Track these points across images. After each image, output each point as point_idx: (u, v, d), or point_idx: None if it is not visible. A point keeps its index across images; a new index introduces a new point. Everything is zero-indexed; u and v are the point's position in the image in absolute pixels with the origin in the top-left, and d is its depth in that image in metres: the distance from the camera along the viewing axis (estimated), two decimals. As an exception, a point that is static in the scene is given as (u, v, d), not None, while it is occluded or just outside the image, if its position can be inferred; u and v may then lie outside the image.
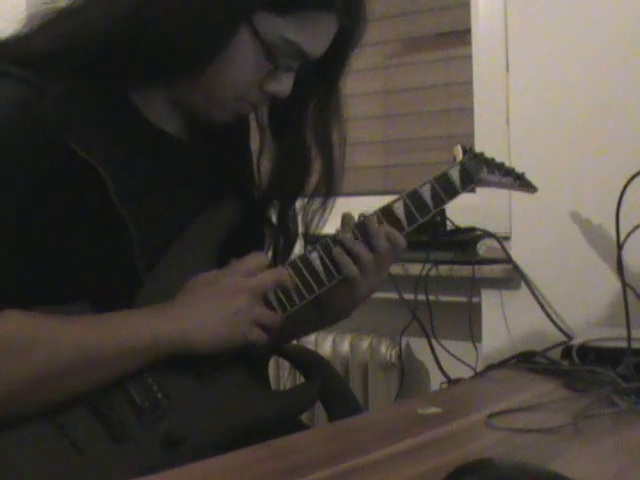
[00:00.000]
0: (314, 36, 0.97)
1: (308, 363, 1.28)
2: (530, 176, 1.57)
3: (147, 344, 0.88)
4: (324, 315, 1.11)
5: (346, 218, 1.05)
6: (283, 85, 0.98)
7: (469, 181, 1.15)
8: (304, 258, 1.00)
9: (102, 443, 0.87)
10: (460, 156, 1.18)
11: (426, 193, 1.10)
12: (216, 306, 0.92)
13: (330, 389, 1.20)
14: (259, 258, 0.97)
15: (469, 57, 1.78)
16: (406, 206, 1.08)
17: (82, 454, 0.86)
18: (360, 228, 1.03)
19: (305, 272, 1.00)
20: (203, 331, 0.90)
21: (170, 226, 0.99)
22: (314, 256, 1.01)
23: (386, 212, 1.07)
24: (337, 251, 1.01)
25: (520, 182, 1.27)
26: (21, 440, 0.84)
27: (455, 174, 1.14)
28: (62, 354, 0.86)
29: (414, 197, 1.09)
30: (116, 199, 0.88)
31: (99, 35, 0.90)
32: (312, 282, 1.00)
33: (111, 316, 0.89)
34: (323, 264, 1.01)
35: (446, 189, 1.12)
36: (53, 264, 0.88)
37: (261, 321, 0.94)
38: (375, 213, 1.06)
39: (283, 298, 0.98)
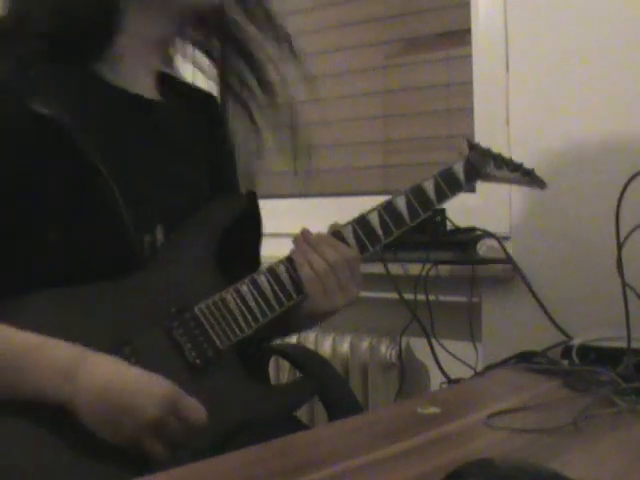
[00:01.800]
0: None
1: (308, 363, 1.28)
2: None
3: (39, 398, 0.84)
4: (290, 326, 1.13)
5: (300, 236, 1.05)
6: None
7: (474, 175, 1.15)
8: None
9: (100, 448, 0.86)
10: (466, 151, 1.18)
11: (429, 187, 1.10)
12: (119, 423, 0.85)
13: (330, 389, 1.20)
14: (202, 415, 0.88)
15: (469, 57, 1.77)
16: (408, 201, 1.08)
17: (81, 463, 0.85)
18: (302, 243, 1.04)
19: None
20: (92, 423, 0.85)
21: (153, 184, 0.98)
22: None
23: (388, 206, 1.07)
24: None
25: (529, 178, 1.26)
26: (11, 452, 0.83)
27: (459, 169, 1.14)
28: None
29: (417, 192, 1.09)
30: (88, 152, 0.88)
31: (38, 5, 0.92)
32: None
33: (27, 341, 0.85)
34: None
35: (450, 184, 1.12)
36: (36, 235, 0.88)
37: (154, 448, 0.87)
38: (376, 208, 1.06)
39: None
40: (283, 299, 1.02)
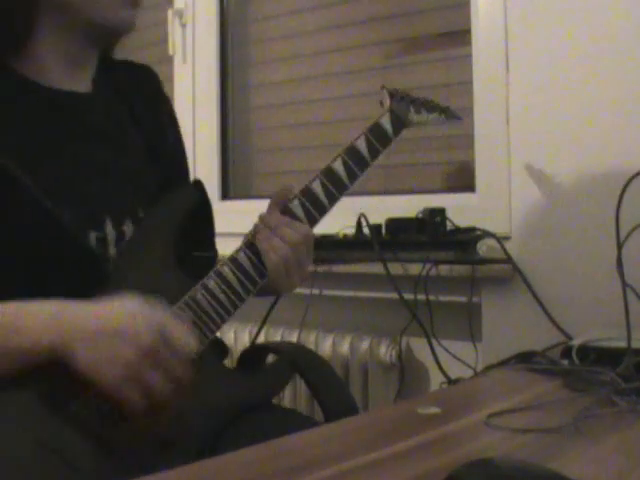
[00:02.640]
0: None
1: (307, 362, 1.28)
2: (530, 176, 1.57)
3: (27, 347, 0.83)
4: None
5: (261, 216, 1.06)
6: None
7: (400, 126, 1.17)
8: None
9: (93, 453, 0.86)
10: (388, 102, 1.19)
11: (362, 146, 1.12)
12: (115, 352, 0.84)
13: (328, 389, 1.20)
14: (191, 345, 0.90)
15: (469, 57, 1.77)
16: (345, 163, 1.10)
17: (76, 471, 0.84)
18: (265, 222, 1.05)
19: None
20: (87, 362, 0.84)
21: (91, 180, 0.98)
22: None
23: (327, 173, 1.09)
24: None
25: (446, 115, 1.28)
26: (10, 460, 0.82)
27: (387, 121, 1.16)
28: None
29: (352, 152, 1.11)
30: (8, 167, 0.88)
31: None
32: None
33: (6, 313, 0.85)
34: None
35: (379, 138, 1.14)
36: None
37: (149, 391, 0.87)
38: (316, 177, 1.08)
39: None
40: (249, 286, 1.02)
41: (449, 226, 1.69)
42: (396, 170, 2.03)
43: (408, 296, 1.63)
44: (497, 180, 1.68)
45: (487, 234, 1.66)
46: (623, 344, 1.06)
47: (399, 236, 1.69)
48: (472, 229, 1.69)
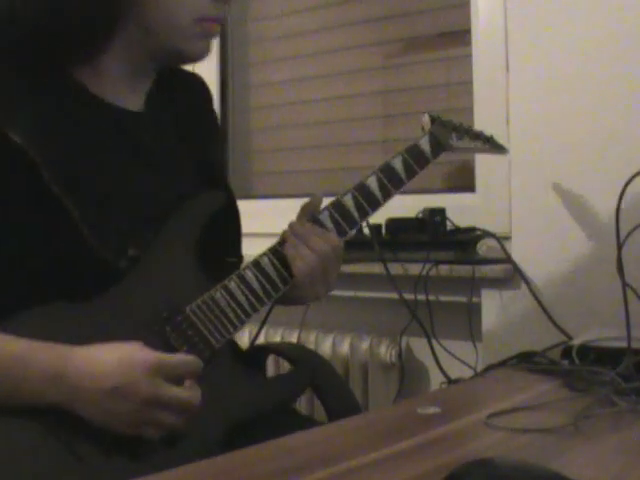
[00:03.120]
0: None
1: (307, 362, 1.28)
2: (530, 176, 1.57)
3: (42, 402, 0.85)
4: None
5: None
6: None
7: (440, 149, 1.18)
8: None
9: (101, 448, 0.87)
10: (428, 125, 1.20)
11: (398, 165, 1.12)
12: (120, 411, 0.86)
13: (329, 388, 1.20)
14: (193, 365, 0.92)
15: (469, 57, 1.78)
16: (379, 180, 1.10)
17: (82, 461, 0.85)
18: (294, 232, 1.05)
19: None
20: (94, 418, 0.86)
21: (129, 198, 0.97)
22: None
23: (360, 188, 1.09)
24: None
25: (490, 145, 1.29)
26: (18, 453, 0.83)
27: (425, 143, 1.16)
28: None
29: (387, 170, 1.11)
30: (52, 182, 0.87)
31: (19, 11, 0.90)
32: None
33: (20, 346, 0.86)
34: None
35: (417, 158, 1.14)
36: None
37: (161, 425, 0.89)
38: (349, 191, 1.08)
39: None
40: (271, 291, 1.03)
41: (449, 226, 1.69)
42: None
43: (408, 296, 1.63)
44: (497, 180, 1.68)
45: (487, 234, 1.66)
46: (623, 344, 1.05)
47: (399, 236, 1.69)
48: (472, 229, 1.69)
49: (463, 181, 1.86)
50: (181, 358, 0.91)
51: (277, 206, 2.08)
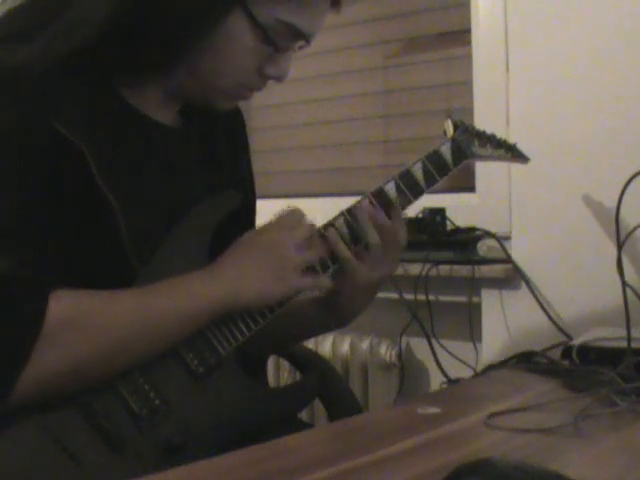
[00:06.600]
0: (310, 16, 0.97)
1: (307, 363, 1.28)
2: (530, 176, 1.57)
3: (203, 308, 0.90)
4: (333, 314, 1.11)
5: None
6: (282, 69, 0.99)
7: (462, 157, 1.11)
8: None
9: (100, 453, 0.86)
10: (451, 131, 1.13)
11: (418, 172, 1.07)
12: (262, 263, 0.93)
13: (330, 388, 1.20)
14: (296, 213, 0.99)
15: (469, 57, 1.77)
16: (398, 186, 1.05)
17: (80, 466, 0.84)
18: (353, 215, 1.02)
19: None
20: (253, 290, 0.92)
21: (161, 213, 0.97)
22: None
23: (377, 194, 1.04)
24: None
25: (512, 154, 1.24)
26: (16, 453, 0.82)
27: (447, 150, 1.10)
28: (122, 323, 0.86)
29: (406, 177, 1.06)
30: (99, 178, 0.87)
31: (92, 22, 0.89)
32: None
33: (162, 284, 0.90)
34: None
35: (438, 167, 1.08)
36: (41, 249, 0.87)
37: (307, 264, 0.97)
38: (367, 196, 1.04)
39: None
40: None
41: (449, 226, 1.69)
42: (396, 170, 2.03)
43: (408, 296, 1.63)
44: (497, 180, 1.68)
45: (487, 234, 1.66)
46: (623, 344, 1.06)
47: (399, 236, 1.69)
48: (472, 229, 1.69)
49: (463, 181, 1.85)
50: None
51: (277, 206, 2.07)
